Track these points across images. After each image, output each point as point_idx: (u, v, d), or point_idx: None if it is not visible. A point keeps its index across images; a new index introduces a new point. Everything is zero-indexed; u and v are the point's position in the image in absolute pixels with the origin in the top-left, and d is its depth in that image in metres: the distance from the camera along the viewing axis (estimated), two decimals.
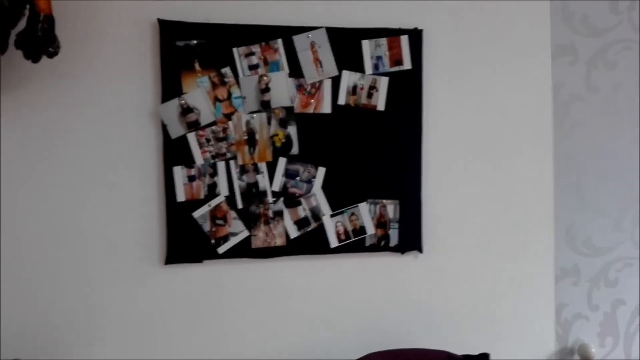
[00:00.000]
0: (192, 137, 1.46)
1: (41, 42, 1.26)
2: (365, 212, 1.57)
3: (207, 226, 1.48)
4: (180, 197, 1.46)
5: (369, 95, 1.56)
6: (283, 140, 1.52)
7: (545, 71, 1.70)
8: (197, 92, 1.46)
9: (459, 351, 1.46)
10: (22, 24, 1.25)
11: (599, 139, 1.75)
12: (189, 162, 1.46)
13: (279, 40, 1.49)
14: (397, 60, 1.57)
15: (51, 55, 1.29)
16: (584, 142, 1.74)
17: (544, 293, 1.72)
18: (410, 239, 1.60)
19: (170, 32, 1.44)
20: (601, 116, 1.76)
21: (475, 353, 1.43)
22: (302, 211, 1.54)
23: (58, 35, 1.29)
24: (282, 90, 1.50)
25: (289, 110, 1.51)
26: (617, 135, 1.77)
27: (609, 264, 1.78)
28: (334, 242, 1.55)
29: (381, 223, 1.58)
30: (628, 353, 1.81)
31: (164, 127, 1.45)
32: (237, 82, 1.48)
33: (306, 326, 1.57)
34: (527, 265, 1.70)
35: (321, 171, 1.54)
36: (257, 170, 1.50)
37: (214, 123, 1.48)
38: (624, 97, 1.77)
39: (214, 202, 1.48)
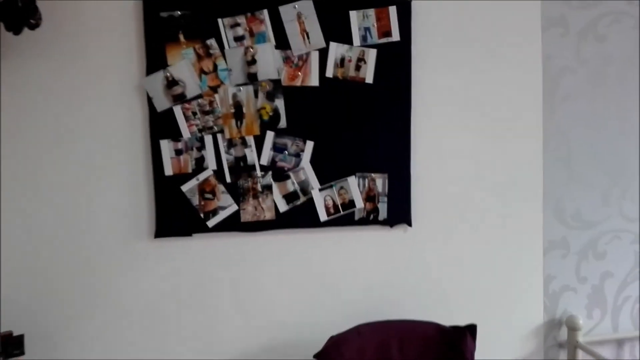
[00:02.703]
0: (178, 110, 1.45)
1: (22, 14, 1.24)
2: (354, 186, 1.56)
3: (195, 200, 1.47)
4: (168, 170, 1.45)
5: (357, 68, 1.55)
6: (271, 114, 1.50)
7: (536, 43, 1.69)
8: (182, 64, 1.44)
9: (447, 322, 1.47)
10: None
11: (588, 112, 1.75)
12: (175, 135, 1.45)
13: (265, 11, 1.47)
14: (385, 32, 1.55)
15: (32, 27, 1.27)
16: (573, 115, 1.74)
17: (532, 265, 1.73)
18: (399, 213, 1.60)
19: (154, 3, 1.41)
20: (591, 89, 1.75)
21: (463, 324, 1.45)
22: (291, 185, 1.53)
23: (40, 7, 1.26)
24: (269, 63, 1.48)
25: (276, 83, 1.50)
26: (606, 108, 1.77)
27: (597, 237, 1.80)
28: (323, 216, 1.55)
29: (370, 197, 1.58)
30: (615, 325, 1.83)
31: (150, 100, 1.44)
32: (223, 54, 1.46)
33: (296, 299, 1.58)
34: (515, 238, 1.71)
35: (309, 145, 1.53)
36: (245, 144, 1.49)
37: (200, 96, 1.46)
38: (614, 70, 1.76)
39: (202, 176, 1.47)
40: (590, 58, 1.74)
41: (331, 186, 1.56)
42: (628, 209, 1.81)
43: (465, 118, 1.65)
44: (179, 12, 1.42)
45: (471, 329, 1.44)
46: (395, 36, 1.56)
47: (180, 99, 1.45)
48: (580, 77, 1.74)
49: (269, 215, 1.52)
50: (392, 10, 1.55)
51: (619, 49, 1.76)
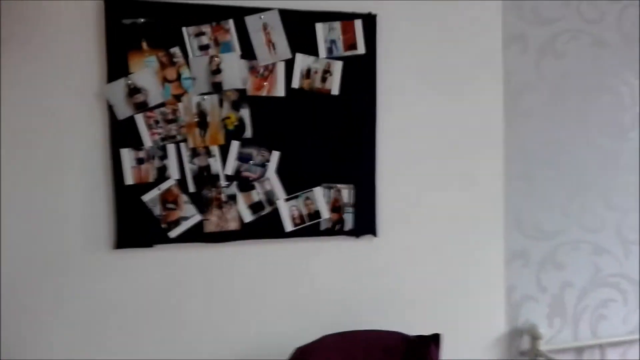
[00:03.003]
0: (140, 119, 1.42)
1: None
2: (320, 197, 1.56)
3: (157, 210, 1.44)
4: (129, 180, 1.42)
5: (323, 79, 1.55)
6: (236, 123, 1.49)
7: (497, 59, 1.74)
8: (145, 72, 1.42)
9: (412, 332, 1.48)
10: None
11: (547, 127, 1.80)
12: (137, 144, 1.42)
13: (230, 21, 1.47)
14: (351, 45, 1.57)
15: None
16: (533, 130, 1.79)
17: (494, 275, 1.76)
18: (365, 223, 1.61)
19: (116, 9, 1.39)
20: (550, 105, 1.81)
21: (428, 334, 1.46)
22: (256, 195, 1.52)
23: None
24: (234, 72, 1.48)
25: (241, 92, 1.49)
26: (564, 123, 1.82)
27: (556, 247, 1.84)
28: (288, 226, 1.55)
29: (336, 207, 1.58)
30: (575, 333, 1.87)
31: (110, 108, 1.41)
32: (187, 63, 1.45)
33: (261, 310, 1.56)
34: (478, 249, 1.74)
35: (275, 155, 1.52)
36: (209, 154, 1.48)
37: (162, 104, 1.44)
38: (572, 86, 1.83)
39: (164, 186, 1.45)
40: (550, 74, 1.80)
41: (297, 196, 1.55)
42: (587, 220, 1.86)
43: (428, 131, 1.68)
44: (142, 20, 1.41)
45: (435, 339, 1.45)
46: (361, 49, 1.58)
47: (142, 107, 1.42)
48: (541, 93, 1.79)
49: (233, 225, 1.50)
50: (358, 23, 1.57)
51: (577, 66, 1.83)
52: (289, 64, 1.52)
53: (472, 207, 1.72)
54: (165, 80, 1.44)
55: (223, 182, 1.49)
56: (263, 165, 1.52)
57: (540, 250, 1.82)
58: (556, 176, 1.82)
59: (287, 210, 1.54)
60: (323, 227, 1.57)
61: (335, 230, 1.58)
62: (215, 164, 1.48)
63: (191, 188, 1.46)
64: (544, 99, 1.80)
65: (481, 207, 1.74)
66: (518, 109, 1.77)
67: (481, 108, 1.73)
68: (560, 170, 1.83)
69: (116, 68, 1.40)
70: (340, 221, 1.58)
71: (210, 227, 1.48)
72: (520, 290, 1.80)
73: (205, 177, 1.47)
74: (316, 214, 1.56)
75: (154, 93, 1.43)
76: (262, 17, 1.49)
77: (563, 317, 1.86)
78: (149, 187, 1.44)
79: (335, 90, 1.56)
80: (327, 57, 1.55)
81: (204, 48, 1.46)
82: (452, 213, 1.70)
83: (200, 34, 1.45)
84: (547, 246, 1.83)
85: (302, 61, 1.53)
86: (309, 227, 1.56)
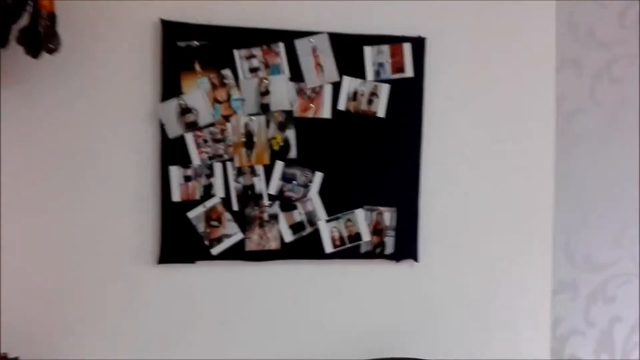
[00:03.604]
0: (189, 137, 1.46)
1: (42, 39, 1.27)
2: (361, 219, 1.56)
3: (201, 227, 1.48)
4: (176, 197, 1.46)
5: (370, 102, 1.55)
6: (281, 144, 1.51)
7: (549, 83, 1.69)
8: (197, 92, 1.46)
9: None
10: (24, 20, 1.26)
11: (600, 154, 1.74)
12: (185, 162, 1.46)
13: (281, 44, 1.49)
14: (399, 68, 1.56)
15: (51, 51, 1.30)
16: (585, 156, 1.73)
17: (540, 307, 1.70)
18: (406, 248, 1.59)
19: (172, 32, 1.44)
20: (604, 131, 1.74)
21: None
22: (298, 215, 1.53)
23: (60, 32, 1.30)
24: (282, 94, 1.50)
25: (288, 113, 1.51)
26: (619, 151, 1.75)
27: (607, 280, 1.77)
28: (328, 248, 1.55)
29: (377, 230, 1.57)
30: None
31: (162, 127, 1.45)
32: (237, 84, 1.48)
33: (298, 331, 1.56)
34: (524, 278, 1.68)
35: (318, 176, 1.53)
36: (253, 173, 1.50)
37: (212, 124, 1.47)
38: (628, 112, 1.75)
39: (209, 203, 1.48)
40: (605, 100, 1.74)
41: (338, 218, 1.55)
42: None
43: (476, 156, 1.64)
44: (196, 42, 1.45)
45: None
46: (409, 72, 1.57)
47: (192, 126, 1.46)
48: (594, 118, 1.73)
49: (274, 245, 1.52)
50: (407, 46, 1.56)
51: (634, 92, 1.76)
52: (336, 87, 1.53)
53: (519, 235, 1.67)
54: (215, 100, 1.47)
55: (266, 202, 1.51)
56: (306, 186, 1.53)
57: (590, 283, 1.75)
58: (609, 206, 1.75)
59: (327, 232, 1.55)
60: (363, 249, 1.57)
61: (376, 253, 1.57)
62: (259, 184, 1.50)
63: (235, 206, 1.49)
64: (598, 125, 1.74)
65: (529, 236, 1.68)
66: (570, 135, 1.71)
67: (531, 132, 1.68)
68: (613, 199, 1.75)
69: (169, 88, 1.45)
70: (381, 244, 1.57)
71: (252, 245, 1.51)
72: (567, 324, 1.73)
73: (249, 196, 1.50)
74: (357, 236, 1.56)
75: (204, 113, 1.47)
76: (311, 40, 1.50)
77: (611, 353, 1.78)
78: (194, 204, 1.47)
79: (381, 113, 1.56)
80: (374, 80, 1.55)
81: (254, 70, 1.49)
82: (498, 242, 1.66)
83: (251, 56, 1.48)
84: (597, 278, 1.76)
85: (349, 84, 1.53)
86: (349, 249, 1.56)
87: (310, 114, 1.52)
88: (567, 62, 1.71)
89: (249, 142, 1.50)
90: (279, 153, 1.51)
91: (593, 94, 1.73)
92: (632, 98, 1.76)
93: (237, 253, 1.50)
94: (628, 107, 1.75)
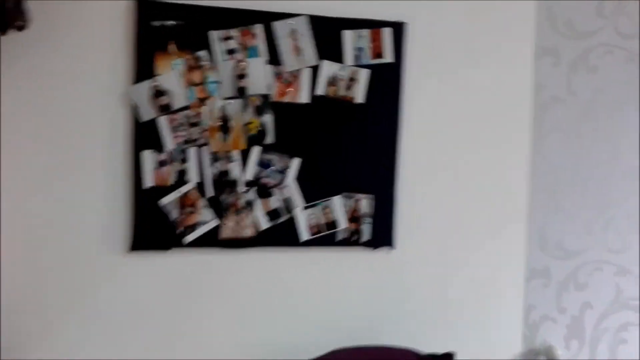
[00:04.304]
0: (163, 121, 1.42)
1: (10, 14, 1.21)
2: (339, 206, 1.54)
3: (175, 213, 1.44)
4: (149, 182, 1.42)
5: (348, 87, 1.53)
6: (258, 129, 1.48)
7: (527, 72, 1.69)
8: (171, 74, 1.41)
9: (425, 349, 1.46)
10: None
11: (575, 142, 1.75)
12: (159, 146, 1.42)
13: (259, 26, 1.45)
14: (378, 53, 1.54)
15: (20, 28, 1.25)
16: (560, 145, 1.74)
17: (513, 294, 1.72)
18: (382, 235, 1.59)
19: (147, 11, 1.39)
20: (579, 121, 1.76)
21: (442, 352, 1.43)
22: (275, 202, 1.51)
23: (30, 9, 1.24)
24: (260, 77, 1.46)
25: (265, 98, 1.48)
26: (593, 140, 1.77)
27: (578, 267, 1.80)
28: (305, 235, 1.53)
29: (354, 217, 1.56)
30: (593, 356, 1.83)
31: (134, 109, 1.41)
32: (214, 67, 1.44)
33: (274, 320, 1.55)
34: (498, 265, 1.70)
35: (296, 162, 1.51)
36: (229, 158, 1.47)
37: (187, 107, 1.43)
38: (603, 102, 1.77)
39: (183, 189, 1.44)
40: (581, 89, 1.75)
41: (316, 205, 1.53)
42: (611, 240, 1.81)
43: (453, 142, 1.64)
44: (171, 22, 1.40)
45: (449, 357, 1.42)
46: (389, 57, 1.55)
47: (166, 109, 1.42)
48: (571, 108, 1.75)
49: (249, 232, 1.49)
50: (387, 32, 1.54)
51: (610, 82, 1.77)
52: (315, 71, 1.50)
53: (493, 223, 1.69)
54: (190, 83, 1.43)
55: (242, 188, 1.48)
56: (283, 172, 1.51)
57: (562, 270, 1.78)
58: (582, 194, 1.77)
59: (304, 219, 1.53)
60: (340, 237, 1.56)
61: (352, 241, 1.56)
62: (235, 169, 1.47)
63: (210, 192, 1.46)
64: (574, 114, 1.75)
65: (503, 223, 1.70)
66: (546, 123, 1.72)
67: (508, 120, 1.68)
68: (586, 187, 1.78)
69: (143, 69, 1.40)
70: (358, 232, 1.57)
71: (227, 232, 1.48)
72: (539, 310, 1.76)
73: (225, 182, 1.47)
74: (334, 224, 1.55)
75: (179, 96, 1.42)
76: (290, 22, 1.47)
77: (581, 339, 1.82)
78: (167, 190, 1.43)
79: (360, 99, 1.54)
80: (354, 65, 1.52)
81: (231, 52, 1.44)
82: (473, 228, 1.67)
83: (227, 38, 1.44)
84: (569, 265, 1.79)
85: (328, 68, 1.51)
86: (325, 237, 1.54)
87: (288, 99, 1.49)
88: (545, 51, 1.71)
89: (225, 126, 1.46)
90: (256, 138, 1.48)
91: (569, 84, 1.74)
92: (606, 88, 1.77)
93: (212, 240, 1.47)
94: (603, 98, 1.77)
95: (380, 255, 1.60)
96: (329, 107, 1.52)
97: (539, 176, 1.72)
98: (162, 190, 1.43)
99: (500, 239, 1.70)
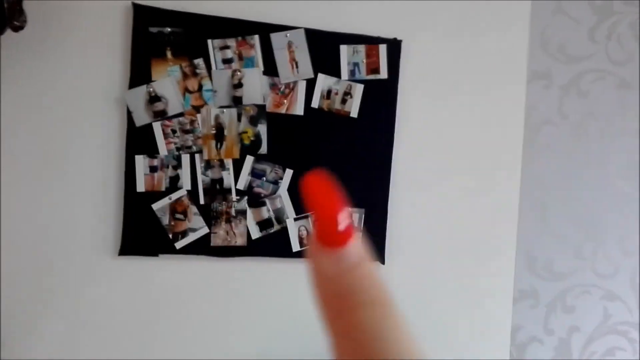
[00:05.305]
0: (157, 127, 1.42)
1: (6, 14, 1.22)
2: None
3: (165, 219, 1.43)
4: (140, 187, 1.42)
5: (343, 101, 1.55)
6: (252, 139, 1.49)
7: (520, 93, 1.72)
8: (167, 81, 1.42)
9: None
10: None
11: (566, 165, 1.78)
12: (152, 152, 1.42)
13: (256, 37, 1.47)
14: (374, 69, 1.56)
15: (16, 29, 1.25)
16: (550, 167, 1.76)
17: (501, 314, 1.72)
18: (372, 250, 1.59)
19: (144, 17, 1.40)
20: (569, 143, 1.78)
21: None
22: (266, 212, 1.51)
23: (26, 10, 1.24)
24: (255, 87, 1.47)
25: (260, 108, 1.49)
26: (583, 163, 1.79)
27: (567, 290, 1.80)
28: (295, 246, 1.53)
29: None
30: None
31: (129, 114, 1.41)
32: (210, 75, 1.45)
33: (262, 329, 1.53)
34: (486, 285, 1.70)
35: (288, 173, 1.51)
36: (222, 167, 1.47)
37: (181, 114, 1.44)
38: (593, 126, 1.80)
39: (175, 195, 1.44)
40: (572, 112, 1.78)
41: (307, 216, 1.53)
42: (600, 264, 1.82)
43: (445, 160, 1.65)
44: (169, 29, 1.41)
45: None
46: (383, 74, 1.57)
47: (160, 115, 1.42)
48: (562, 130, 1.77)
49: (240, 241, 1.49)
50: (383, 48, 1.56)
51: (601, 106, 1.81)
52: (310, 84, 1.51)
53: (483, 242, 1.69)
54: (186, 90, 1.44)
55: (234, 197, 1.48)
56: (276, 183, 1.51)
57: (550, 292, 1.79)
58: (572, 216, 1.79)
59: (295, 230, 1.53)
60: None
61: None
62: (228, 178, 1.47)
63: (202, 200, 1.45)
64: (564, 137, 1.78)
65: (493, 243, 1.70)
66: (537, 145, 1.75)
67: (500, 141, 1.70)
68: (576, 210, 1.79)
69: (139, 75, 1.40)
70: None
71: (217, 240, 1.47)
72: (526, 331, 1.76)
73: (217, 190, 1.47)
74: None
75: (174, 102, 1.43)
76: (287, 35, 1.49)
77: None
78: (159, 196, 1.43)
79: (354, 113, 1.55)
80: (349, 79, 1.54)
81: (227, 61, 1.46)
82: (462, 247, 1.67)
83: (225, 47, 1.45)
84: (558, 288, 1.79)
85: (323, 81, 1.52)
86: None
87: (282, 110, 1.50)
88: (537, 75, 1.74)
89: (219, 134, 1.46)
90: (250, 148, 1.48)
91: (561, 108, 1.77)
92: (597, 112, 1.80)
93: (202, 248, 1.46)
94: (594, 122, 1.80)
95: None
96: (323, 120, 1.53)
97: (529, 198, 1.74)
98: (154, 195, 1.43)
99: (490, 259, 1.70)
